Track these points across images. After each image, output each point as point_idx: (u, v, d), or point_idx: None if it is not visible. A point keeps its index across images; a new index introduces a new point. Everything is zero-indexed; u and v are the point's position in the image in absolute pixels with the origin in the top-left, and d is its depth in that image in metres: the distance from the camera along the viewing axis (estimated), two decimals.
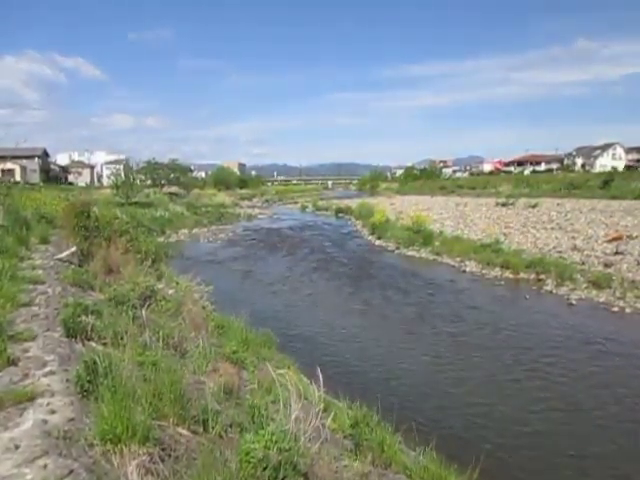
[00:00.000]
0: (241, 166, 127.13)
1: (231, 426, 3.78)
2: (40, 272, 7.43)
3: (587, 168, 76.38)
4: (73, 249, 9.26)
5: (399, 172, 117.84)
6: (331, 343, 9.91)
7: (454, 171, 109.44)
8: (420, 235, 22.15)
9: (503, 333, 10.25)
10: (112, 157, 78.06)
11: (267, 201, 68.87)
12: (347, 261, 19.69)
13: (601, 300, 12.40)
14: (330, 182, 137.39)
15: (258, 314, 11.65)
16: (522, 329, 10.50)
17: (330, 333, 10.51)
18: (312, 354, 9.07)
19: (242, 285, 15.69)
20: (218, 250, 23.50)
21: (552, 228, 22.68)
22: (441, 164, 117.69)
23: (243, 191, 75.12)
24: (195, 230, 31.57)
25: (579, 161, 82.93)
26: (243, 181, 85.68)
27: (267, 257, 21.45)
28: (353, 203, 46.94)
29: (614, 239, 17.91)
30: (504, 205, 36.00)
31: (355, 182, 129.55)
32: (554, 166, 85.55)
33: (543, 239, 19.93)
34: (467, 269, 17.23)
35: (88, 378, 3.56)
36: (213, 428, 3.55)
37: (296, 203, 61.60)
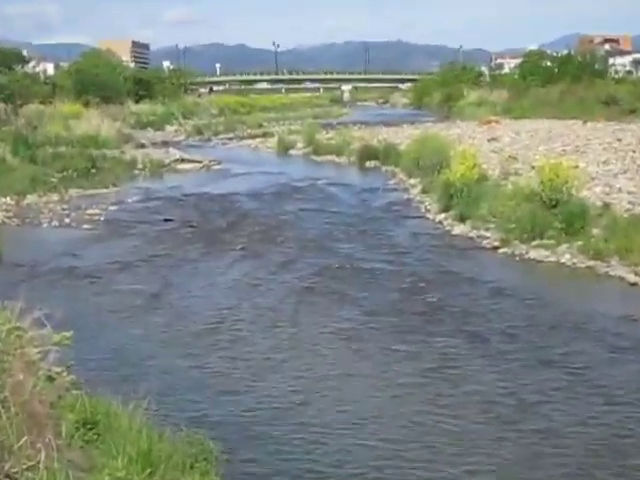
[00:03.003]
0: (138, 50, 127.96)
1: None
2: None
3: None
4: None
5: (509, 65, 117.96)
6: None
7: (636, 63, 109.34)
8: (558, 213, 22.22)
9: None
10: None
11: (200, 132, 69.32)
12: (390, 278, 19.53)
13: None
14: (347, 88, 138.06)
15: (177, 399, 11.51)
16: None
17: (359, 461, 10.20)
18: None
19: (138, 331, 15.57)
20: (84, 246, 23.55)
21: None
22: (605, 46, 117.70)
23: (144, 107, 75.30)
24: (32, 198, 31.94)
25: None
26: (143, 85, 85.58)
27: (197, 264, 21.50)
28: (400, 136, 47.36)
29: None
30: None
31: (406, 88, 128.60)
32: None
33: None
34: None
35: None
36: None
37: (266, 136, 61.95)
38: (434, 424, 11.12)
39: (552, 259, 20.74)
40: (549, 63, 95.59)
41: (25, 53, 69.52)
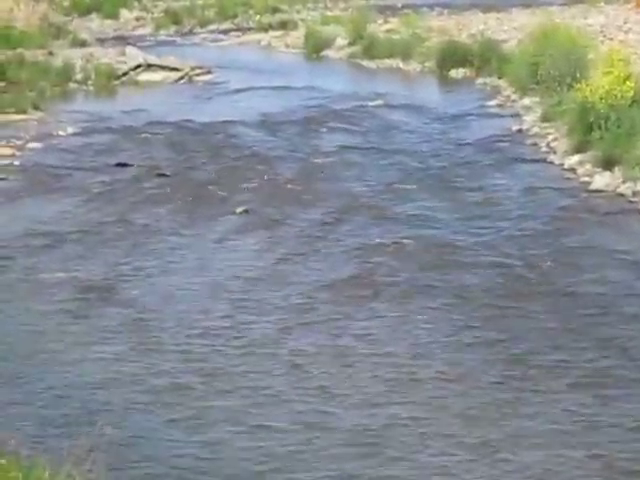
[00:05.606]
0: None
1: None
2: None
3: None
4: None
5: None
6: None
7: None
8: None
9: None
10: None
11: (177, 21, 59.87)
12: (498, 269, 15.40)
13: None
14: None
15: (142, 471, 9.11)
16: None
17: None
18: None
19: (76, 353, 12.49)
20: None
21: None
22: None
23: None
24: None
25: None
26: None
27: (170, 239, 17.68)
28: (507, 28, 41.60)
29: None
30: None
31: None
32: None
33: None
34: None
35: None
36: None
37: (286, 28, 53.26)
38: None
39: None
40: None
41: None
